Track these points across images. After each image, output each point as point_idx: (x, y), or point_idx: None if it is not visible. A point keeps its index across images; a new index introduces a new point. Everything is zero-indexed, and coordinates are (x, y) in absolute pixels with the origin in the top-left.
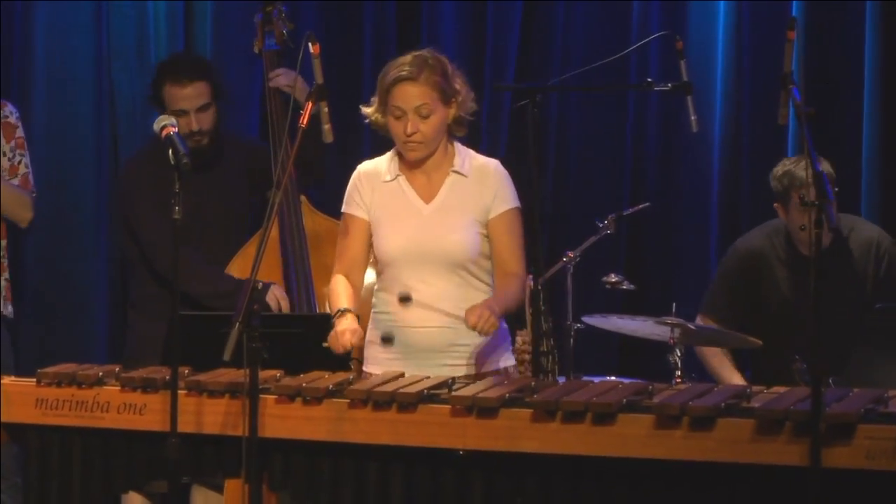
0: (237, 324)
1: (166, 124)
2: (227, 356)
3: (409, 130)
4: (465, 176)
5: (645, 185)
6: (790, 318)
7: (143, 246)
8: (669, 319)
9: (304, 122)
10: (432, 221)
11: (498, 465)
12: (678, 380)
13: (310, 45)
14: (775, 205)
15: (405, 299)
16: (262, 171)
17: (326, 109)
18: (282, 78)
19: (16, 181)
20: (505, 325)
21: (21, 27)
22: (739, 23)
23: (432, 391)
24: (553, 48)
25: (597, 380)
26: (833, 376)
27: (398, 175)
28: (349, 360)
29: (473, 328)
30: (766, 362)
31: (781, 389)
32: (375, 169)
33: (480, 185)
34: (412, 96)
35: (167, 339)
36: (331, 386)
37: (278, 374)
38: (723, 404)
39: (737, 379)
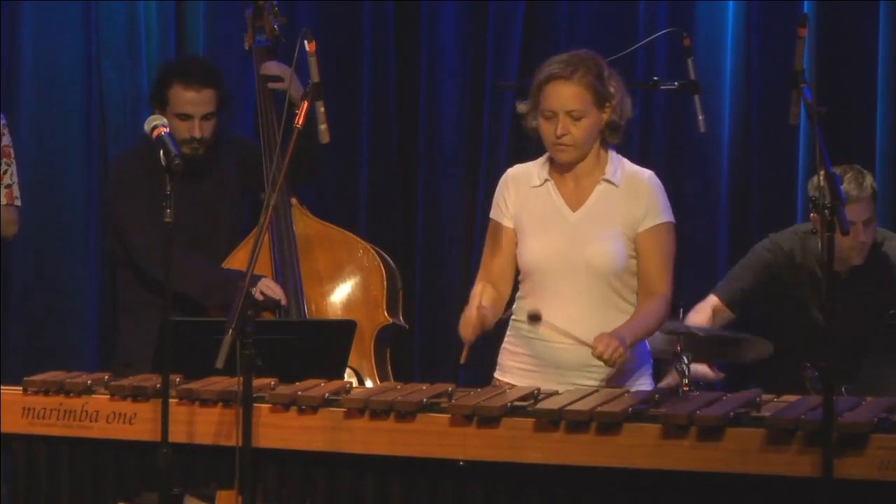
0: (230, 330)
1: (157, 124)
2: (219, 363)
3: (559, 132)
4: (616, 185)
5: None
6: (815, 328)
7: (132, 249)
8: (674, 325)
9: (300, 122)
10: (578, 230)
11: (499, 475)
12: (685, 388)
13: (305, 42)
14: (812, 215)
15: (534, 318)
16: (254, 172)
17: (323, 109)
18: (272, 66)
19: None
20: (648, 347)
21: (7, 25)
22: (749, 20)
23: (432, 400)
24: (556, 50)
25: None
26: (845, 384)
27: (547, 180)
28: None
29: (599, 358)
30: (788, 375)
31: (792, 398)
32: (525, 173)
33: (631, 196)
34: (564, 97)
35: (158, 346)
36: (327, 394)
37: (273, 383)
38: (732, 413)
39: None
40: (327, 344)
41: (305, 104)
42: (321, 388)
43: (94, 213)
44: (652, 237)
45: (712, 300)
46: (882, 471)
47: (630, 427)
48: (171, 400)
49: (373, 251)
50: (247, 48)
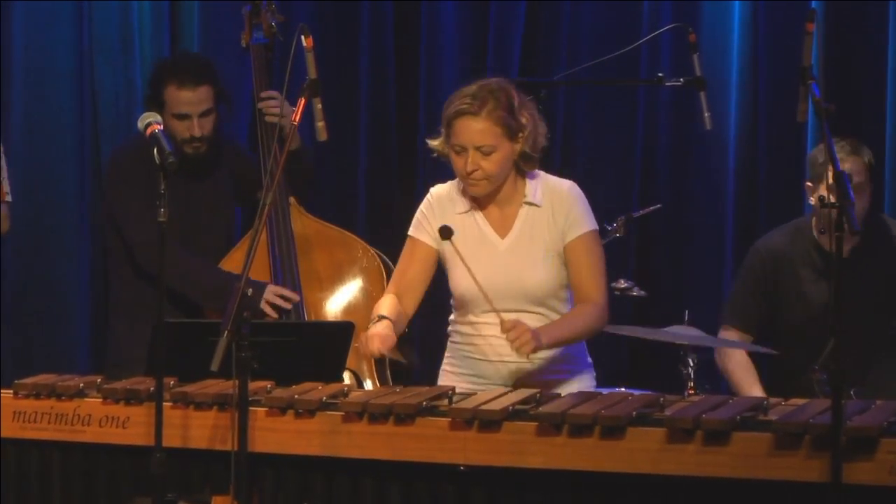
0: (226, 332)
1: (151, 122)
2: (214, 366)
3: (469, 168)
4: (539, 206)
5: (656, 185)
6: (815, 322)
7: (132, 246)
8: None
9: (297, 118)
10: (509, 257)
11: (500, 481)
12: (691, 391)
13: (303, 38)
14: (807, 184)
15: (446, 231)
16: (249, 181)
17: (320, 106)
18: (271, 105)
19: None
20: (590, 360)
21: None
22: (755, 15)
23: (431, 403)
24: (558, 50)
25: (605, 391)
26: (854, 387)
27: (472, 207)
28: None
29: (505, 334)
30: (787, 372)
31: (800, 401)
32: (449, 197)
33: (554, 211)
34: (473, 132)
35: (151, 348)
36: (324, 398)
37: (269, 386)
38: (738, 417)
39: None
40: (325, 346)
41: (303, 100)
42: (318, 391)
43: (87, 211)
44: (578, 247)
45: (732, 335)
46: (892, 476)
47: (634, 431)
48: (165, 403)
49: (372, 251)
50: (244, 45)
